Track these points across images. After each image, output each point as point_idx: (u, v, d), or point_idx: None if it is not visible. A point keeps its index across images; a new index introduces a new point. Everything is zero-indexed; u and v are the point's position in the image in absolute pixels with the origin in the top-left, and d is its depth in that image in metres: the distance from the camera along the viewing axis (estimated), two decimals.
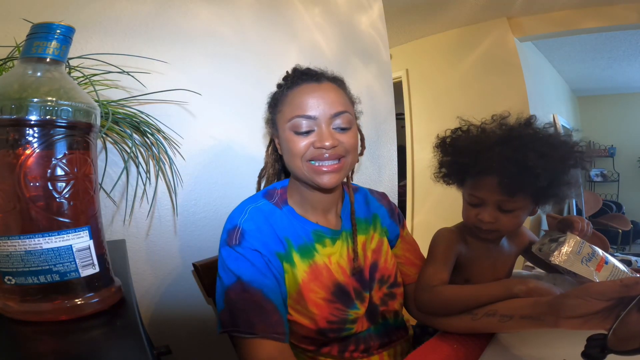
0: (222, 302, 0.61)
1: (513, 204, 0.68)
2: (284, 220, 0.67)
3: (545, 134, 0.67)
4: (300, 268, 0.64)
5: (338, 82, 0.69)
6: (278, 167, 0.77)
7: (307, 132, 0.63)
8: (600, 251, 0.67)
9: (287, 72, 0.71)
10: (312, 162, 0.64)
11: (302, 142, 0.63)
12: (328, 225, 0.71)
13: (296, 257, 0.65)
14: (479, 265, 0.78)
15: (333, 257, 0.68)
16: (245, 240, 0.62)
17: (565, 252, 0.65)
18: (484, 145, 0.68)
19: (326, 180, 0.63)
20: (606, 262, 0.65)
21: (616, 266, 0.65)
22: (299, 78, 0.67)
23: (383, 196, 0.84)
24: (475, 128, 0.74)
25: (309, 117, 0.63)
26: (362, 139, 0.76)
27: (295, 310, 0.63)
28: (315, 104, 0.63)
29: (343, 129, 0.65)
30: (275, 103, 0.68)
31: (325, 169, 0.63)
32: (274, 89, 0.70)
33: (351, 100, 0.70)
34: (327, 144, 0.62)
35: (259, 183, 0.80)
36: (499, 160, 0.65)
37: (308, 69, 0.69)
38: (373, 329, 0.69)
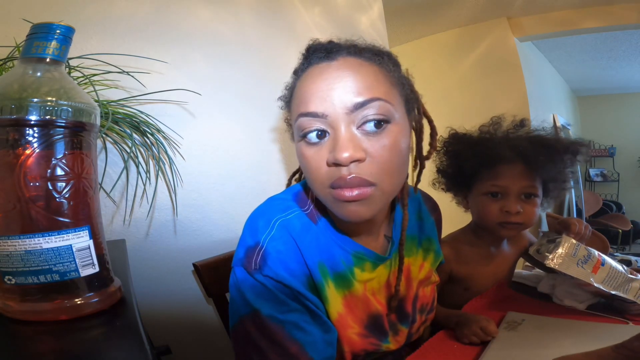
0: (234, 325, 0.48)
1: (535, 189, 0.72)
2: (320, 239, 0.51)
3: (545, 130, 0.74)
4: (334, 302, 0.50)
5: (365, 55, 0.46)
6: None
7: (320, 137, 0.43)
8: (596, 253, 0.67)
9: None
10: (333, 188, 0.43)
11: (317, 157, 0.43)
12: (372, 247, 0.55)
13: (330, 289, 0.50)
14: (479, 273, 0.78)
15: (369, 283, 0.55)
16: (268, 267, 0.46)
17: (560, 254, 0.65)
18: (500, 137, 0.73)
19: (351, 212, 0.44)
20: (602, 264, 0.65)
21: (613, 267, 0.65)
22: (310, 56, 0.48)
23: (434, 207, 0.68)
24: (472, 133, 0.77)
25: (314, 116, 0.42)
26: (433, 132, 0.53)
27: None
28: (324, 94, 0.42)
29: (378, 125, 0.42)
30: (289, 99, 0.51)
31: (348, 194, 0.42)
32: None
33: (395, 80, 0.46)
34: (344, 155, 0.40)
35: (289, 186, 0.64)
36: (520, 145, 0.69)
37: (320, 43, 0.49)
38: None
